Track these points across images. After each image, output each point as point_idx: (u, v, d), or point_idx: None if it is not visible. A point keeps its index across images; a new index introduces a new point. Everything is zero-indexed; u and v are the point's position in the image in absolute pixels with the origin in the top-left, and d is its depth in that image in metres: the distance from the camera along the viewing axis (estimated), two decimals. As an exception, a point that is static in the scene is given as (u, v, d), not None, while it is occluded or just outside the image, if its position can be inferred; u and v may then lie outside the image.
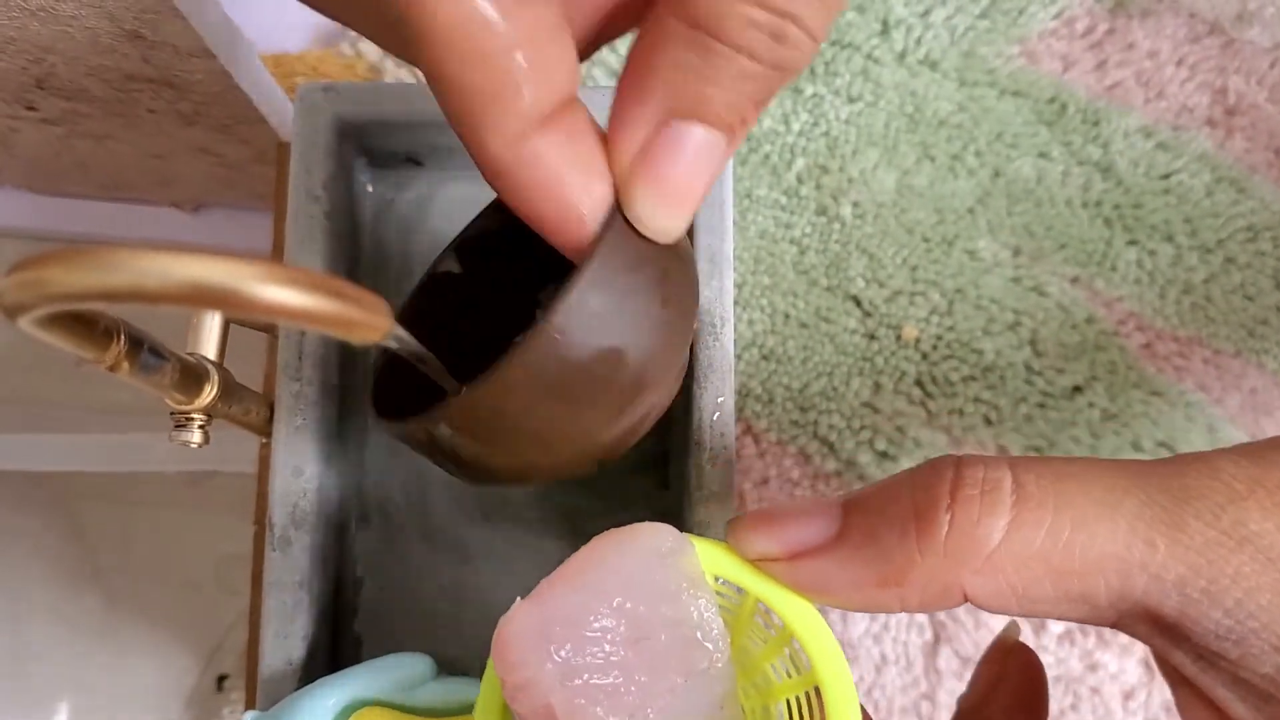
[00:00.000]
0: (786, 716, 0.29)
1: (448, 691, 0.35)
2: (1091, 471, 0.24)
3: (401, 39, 0.23)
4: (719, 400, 0.37)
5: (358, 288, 0.21)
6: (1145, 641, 0.24)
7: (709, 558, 0.27)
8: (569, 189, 0.25)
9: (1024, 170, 0.51)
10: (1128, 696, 0.47)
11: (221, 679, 0.82)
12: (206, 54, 0.44)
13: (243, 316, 0.27)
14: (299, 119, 0.39)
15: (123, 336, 0.26)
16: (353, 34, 0.50)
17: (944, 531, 0.24)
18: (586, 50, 0.26)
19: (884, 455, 0.48)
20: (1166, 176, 0.51)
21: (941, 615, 0.47)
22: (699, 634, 0.27)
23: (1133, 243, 0.50)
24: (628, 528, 0.27)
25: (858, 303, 0.49)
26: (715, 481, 0.36)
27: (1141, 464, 0.24)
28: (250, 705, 0.36)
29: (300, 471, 0.37)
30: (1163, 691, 0.47)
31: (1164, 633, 0.23)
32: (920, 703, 0.47)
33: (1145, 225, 0.50)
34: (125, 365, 0.27)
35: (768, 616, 0.28)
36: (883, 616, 0.48)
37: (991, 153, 0.51)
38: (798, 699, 0.28)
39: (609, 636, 0.26)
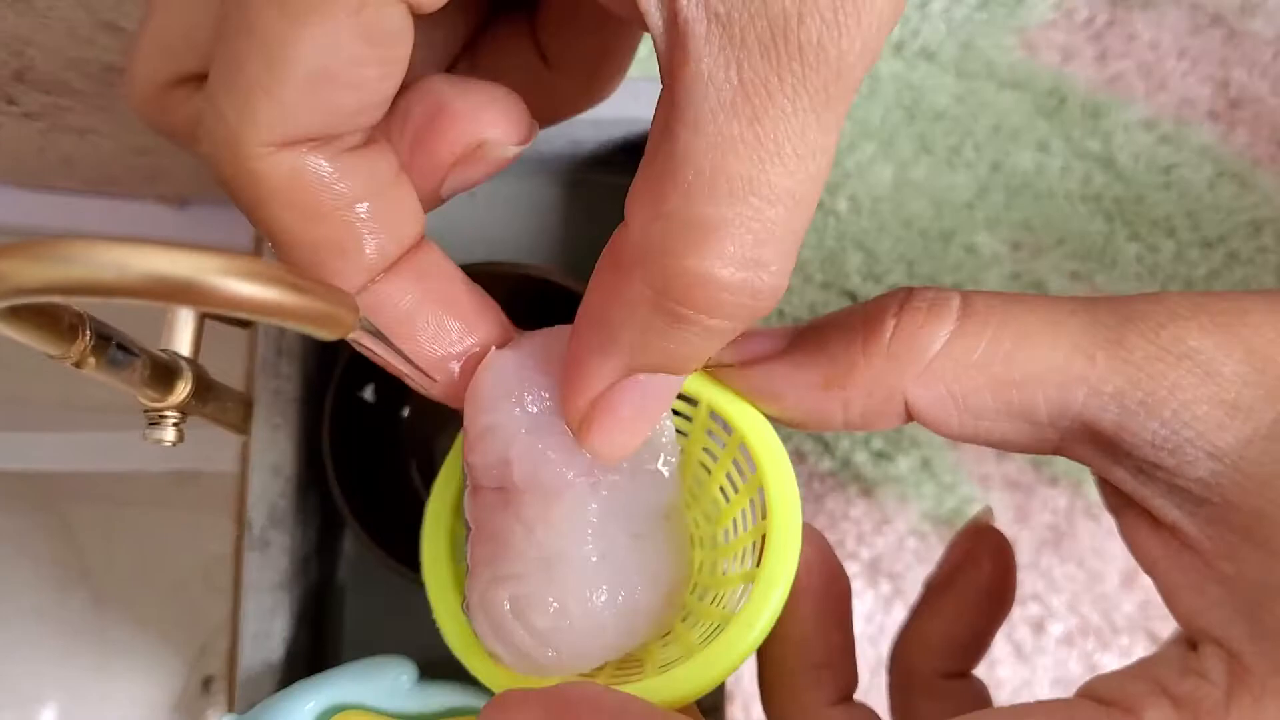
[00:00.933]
0: (733, 537, 0.30)
1: (430, 697, 0.34)
2: (1041, 299, 0.25)
3: (234, 195, 0.23)
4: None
5: (324, 282, 0.20)
6: (1085, 462, 0.25)
7: None
8: (421, 331, 0.26)
9: (1023, 163, 0.50)
10: (1128, 700, 0.46)
11: (207, 681, 0.81)
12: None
13: (210, 310, 0.26)
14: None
15: (88, 331, 0.25)
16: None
17: (888, 335, 0.25)
18: (432, 203, 0.26)
19: (880, 455, 0.48)
20: (1168, 170, 0.50)
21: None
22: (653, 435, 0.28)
23: (1134, 237, 0.50)
24: None
25: (853, 299, 0.49)
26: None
27: (1091, 297, 0.25)
28: (231, 708, 0.36)
29: (279, 470, 0.36)
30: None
31: (1103, 449, 0.24)
32: (917, 706, 0.46)
33: (1146, 219, 0.50)
34: (91, 361, 0.26)
35: (720, 432, 0.29)
36: (878, 617, 0.47)
37: (990, 146, 0.50)
38: (743, 517, 0.29)
39: None
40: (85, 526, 0.85)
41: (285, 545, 0.36)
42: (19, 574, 0.84)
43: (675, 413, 0.29)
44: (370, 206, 0.23)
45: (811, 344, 0.26)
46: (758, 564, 0.27)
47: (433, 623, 0.41)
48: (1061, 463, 0.48)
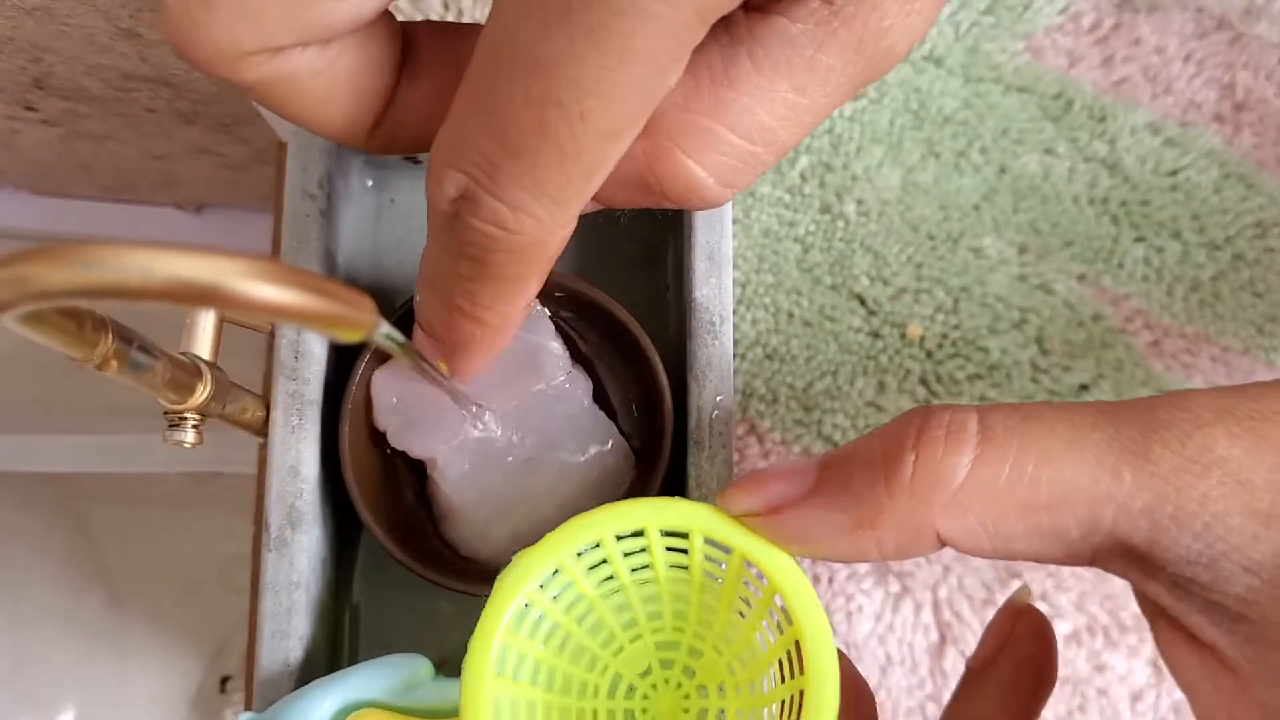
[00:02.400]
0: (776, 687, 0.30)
1: (446, 692, 0.35)
2: (1060, 412, 0.24)
3: None
4: (718, 399, 0.37)
5: (343, 285, 0.21)
6: (1122, 576, 0.24)
7: (698, 519, 0.29)
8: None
9: (1030, 167, 0.50)
10: (1136, 698, 0.47)
11: (225, 680, 0.82)
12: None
13: (231, 314, 0.27)
14: (295, 117, 0.39)
15: (111, 334, 0.26)
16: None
17: (909, 471, 0.25)
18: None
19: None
20: (1174, 173, 0.50)
21: (947, 615, 0.47)
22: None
23: (1140, 239, 0.50)
24: None
25: (862, 301, 0.49)
26: (714, 480, 0.36)
27: (1111, 403, 0.24)
28: (249, 707, 0.36)
29: (296, 472, 0.37)
30: (1172, 693, 0.47)
31: (1137, 564, 0.23)
32: (926, 704, 0.47)
33: (1152, 222, 0.50)
34: (114, 364, 0.26)
35: (758, 582, 0.29)
36: (886, 616, 0.47)
37: (997, 149, 0.51)
38: (780, 667, 0.29)
39: None
40: (104, 527, 0.86)
41: (303, 545, 0.36)
42: (38, 574, 0.84)
43: (678, 550, 0.30)
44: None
45: (835, 484, 0.26)
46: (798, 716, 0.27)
47: (448, 620, 0.41)
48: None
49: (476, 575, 0.38)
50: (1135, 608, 0.46)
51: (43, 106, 0.53)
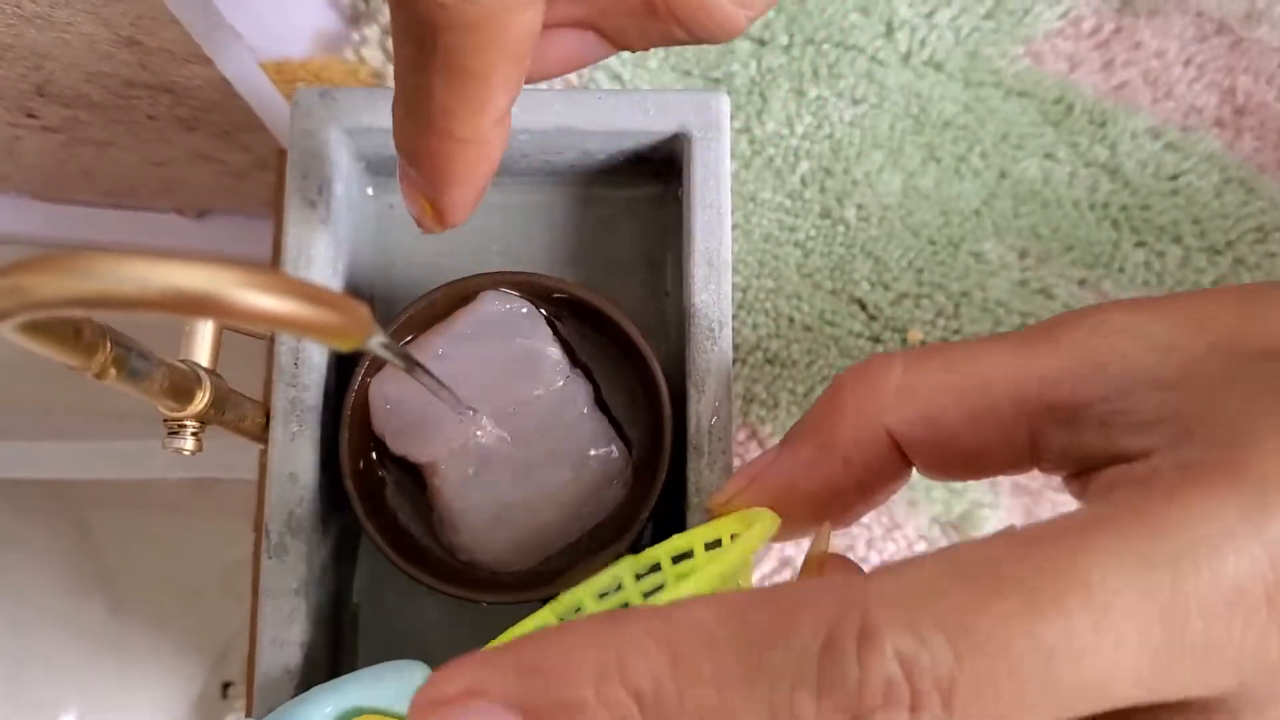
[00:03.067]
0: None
1: (445, 700, 0.35)
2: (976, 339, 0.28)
3: None
4: (717, 404, 0.37)
5: (339, 294, 0.21)
6: (1056, 449, 0.26)
7: (696, 536, 0.32)
8: None
9: (1030, 171, 0.50)
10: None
11: (226, 686, 0.82)
12: (203, 59, 0.44)
13: (228, 322, 0.27)
14: (295, 124, 0.39)
15: (109, 343, 0.26)
16: (356, 39, 0.50)
17: (849, 389, 0.28)
18: None
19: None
20: (1174, 177, 0.50)
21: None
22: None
23: (1141, 244, 0.50)
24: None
25: (862, 306, 0.49)
26: (713, 486, 0.36)
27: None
28: (250, 713, 0.36)
29: (296, 478, 0.37)
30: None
31: (1066, 421, 0.26)
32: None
33: (1153, 226, 0.50)
34: (112, 372, 0.26)
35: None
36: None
37: (997, 154, 0.51)
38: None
39: None
40: (105, 533, 0.86)
41: (303, 552, 0.36)
42: (40, 579, 0.84)
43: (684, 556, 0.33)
44: None
45: (794, 435, 0.30)
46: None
47: (448, 625, 0.41)
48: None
49: (476, 581, 0.38)
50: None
51: (44, 113, 0.53)
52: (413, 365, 0.29)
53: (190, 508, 0.87)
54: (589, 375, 0.39)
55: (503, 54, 0.26)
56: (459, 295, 0.39)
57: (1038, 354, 0.26)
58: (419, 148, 0.29)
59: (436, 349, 0.38)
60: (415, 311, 0.38)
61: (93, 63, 0.46)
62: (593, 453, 0.38)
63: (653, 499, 0.37)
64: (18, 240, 0.75)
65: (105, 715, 0.87)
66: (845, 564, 0.31)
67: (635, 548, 0.35)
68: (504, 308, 0.38)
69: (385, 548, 0.37)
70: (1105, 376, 0.25)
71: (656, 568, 0.32)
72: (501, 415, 0.38)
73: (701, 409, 0.37)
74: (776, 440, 0.48)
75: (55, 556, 0.87)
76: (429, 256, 0.43)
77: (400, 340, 0.39)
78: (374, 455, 0.39)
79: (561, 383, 0.38)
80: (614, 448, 0.38)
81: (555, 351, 0.38)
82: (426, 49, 0.26)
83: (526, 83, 0.29)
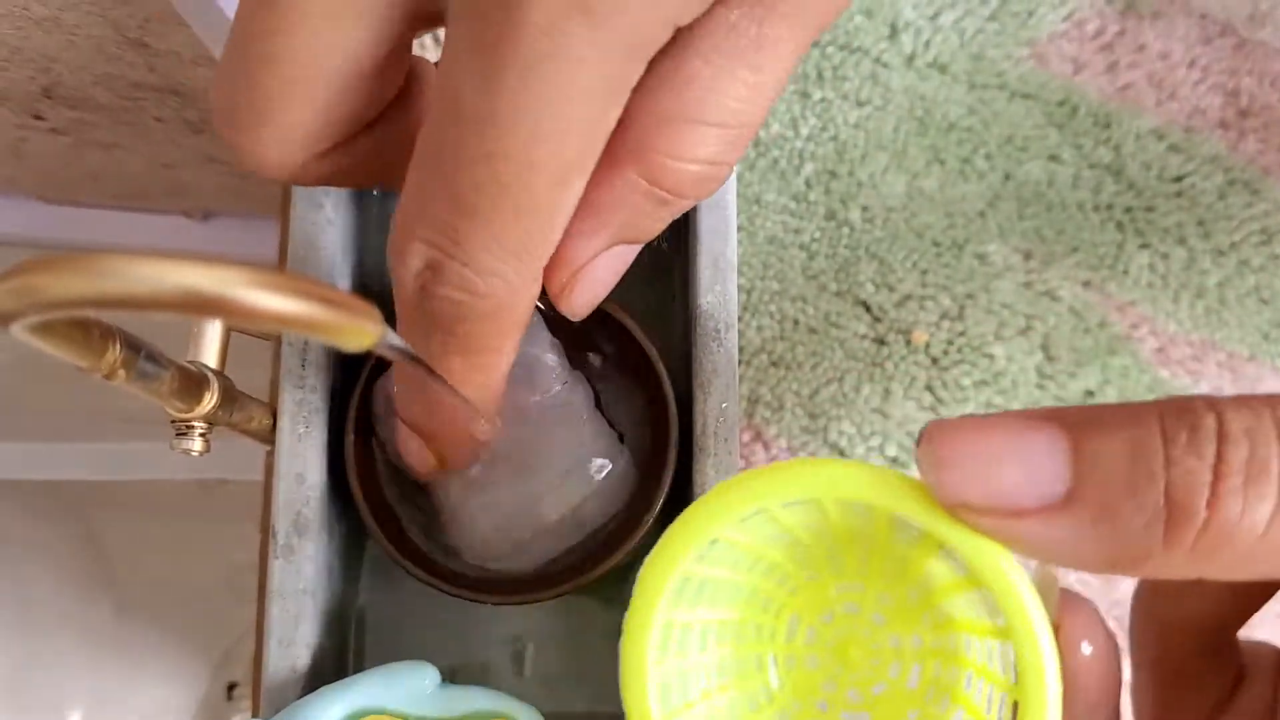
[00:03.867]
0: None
1: (453, 700, 0.35)
2: None
3: None
4: (723, 406, 0.37)
5: (348, 294, 0.21)
6: None
7: (883, 496, 0.23)
8: None
9: (1034, 173, 0.50)
10: (1142, 705, 0.47)
11: (231, 687, 0.82)
12: (211, 62, 0.44)
13: (237, 323, 0.27)
14: (302, 126, 0.39)
15: (118, 344, 0.26)
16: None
17: (1196, 529, 0.20)
18: None
19: (895, 461, 0.48)
20: (1179, 179, 0.50)
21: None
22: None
23: (1145, 246, 0.50)
24: None
25: (867, 308, 0.49)
26: (719, 488, 0.36)
27: None
28: (256, 714, 0.36)
29: (303, 479, 0.37)
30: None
31: None
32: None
33: (1158, 228, 0.50)
34: (122, 373, 0.27)
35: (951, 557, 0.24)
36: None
37: (1002, 156, 0.51)
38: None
39: None
40: (112, 535, 0.86)
41: (309, 553, 0.37)
42: (46, 582, 0.85)
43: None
44: None
45: (1096, 506, 0.20)
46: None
47: (455, 627, 0.41)
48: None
49: (482, 582, 0.38)
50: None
51: (51, 116, 0.54)
52: (420, 366, 0.29)
53: (196, 510, 0.87)
54: (594, 378, 0.39)
55: (513, 331, 0.29)
56: None
57: None
58: (429, 414, 0.33)
59: None
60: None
61: (100, 65, 0.46)
62: (596, 457, 0.38)
63: (658, 502, 0.37)
64: (25, 242, 0.76)
65: (110, 716, 0.87)
66: None
67: (642, 550, 0.35)
68: None
69: (392, 550, 0.37)
70: None
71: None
72: (506, 419, 0.38)
73: (707, 411, 0.37)
74: (781, 442, 0.48)
75: (61, 558, 0.87)
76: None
77: None
78: (379, 456, 0.39)
79: (559, 388, 0.38)
80: (615, 452, 0.38)
81: (553, 358, 0.38)
82: (440, 337, 0.28)
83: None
